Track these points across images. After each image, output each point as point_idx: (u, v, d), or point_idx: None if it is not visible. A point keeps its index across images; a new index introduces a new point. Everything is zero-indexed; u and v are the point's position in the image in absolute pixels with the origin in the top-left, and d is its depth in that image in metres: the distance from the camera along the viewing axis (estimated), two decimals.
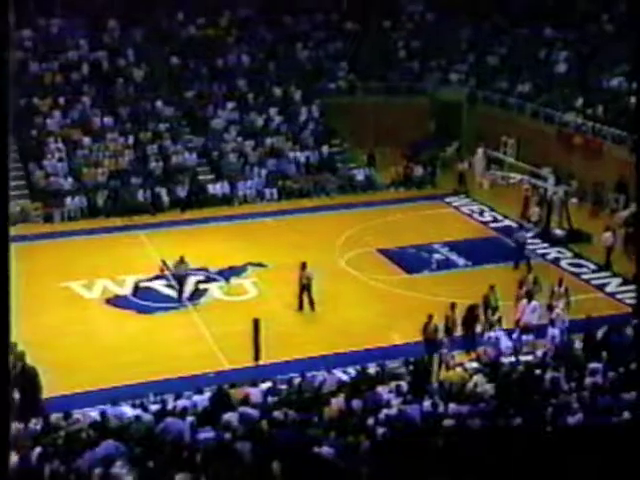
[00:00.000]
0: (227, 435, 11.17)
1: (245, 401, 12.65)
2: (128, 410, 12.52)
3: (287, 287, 18.41)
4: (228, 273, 20.26)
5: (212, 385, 13.79)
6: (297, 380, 13.79)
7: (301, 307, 18.15)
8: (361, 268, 20.55)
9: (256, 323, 15.29)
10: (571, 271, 20.61)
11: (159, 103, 28.38)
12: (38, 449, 10.81)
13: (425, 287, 19.32)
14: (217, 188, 26.23)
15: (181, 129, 28.13)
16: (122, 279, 19.77)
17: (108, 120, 27.48)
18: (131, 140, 27.04)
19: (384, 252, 21.58)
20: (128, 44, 30.17)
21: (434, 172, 27.97)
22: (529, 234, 22.10)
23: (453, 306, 16.26)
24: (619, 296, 19.06)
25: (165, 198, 25.46)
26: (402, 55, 32.16)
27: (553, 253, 21.80)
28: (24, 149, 26.24)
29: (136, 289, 19.33)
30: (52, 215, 24.43)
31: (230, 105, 28.87)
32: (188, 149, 27.34)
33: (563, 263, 21.17)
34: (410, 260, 21.07)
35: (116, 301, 18.86)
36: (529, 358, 14.55)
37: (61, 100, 27.60)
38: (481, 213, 25.06)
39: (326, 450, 10.60)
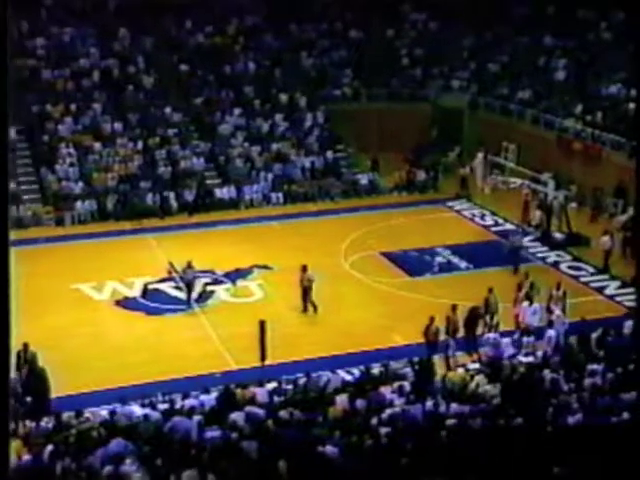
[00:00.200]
0: (234, 434, 11.18)
1: (251, 401, 12.65)
2: (137, 409, 12.54)
3: (292, 289, 18.40)
4: (234, 275, 20.27)
5: (219, 385, 13.82)
6: (302, 380, 13.80)
7: (305, 309, 18.14)
8: (365, 271, 20.54)
9: (262, 324, 15.28)
10: (570, 274, 20.57)
11: (168, 109, 28.45)
12: (50, 447, 10.83)
13: (427, 289, 19.30)
14: (224, 192, 26.25)
15: (189, 135, 28.18)
16: (131, 281, 19.80)
17: (118, 126, 27.55)
18: (140, 145, 27.09)
19: (387, 255, 21.56)
20: (138, 52, 30.25)
21: (436, 177, 27.95)
22: (525, 238, 22.10)
23: (454, 308, 16.23)
24: (618, 298, 19.00)
25: (173, 202, 25.50)
26: (405, 62, 32.17)
27: (553, 256, 21.75)
28: (36, 154, 26.33)
29: (145, 291, 19.35)
30: (63, 218, 24.48)
31: (237, 111, 28.91)
32: (196, 154, 27.38)
33: (563, 266, 21.13)
34: (413, 263, 21.05)
35: (125, 303, 18.89)
36: (530, 359, 14.52)
37: (72, 106, 27.68)
38: (482, 217, 25.03)
39: (330, 449, 10.59)
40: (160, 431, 11.56)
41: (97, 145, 26.74)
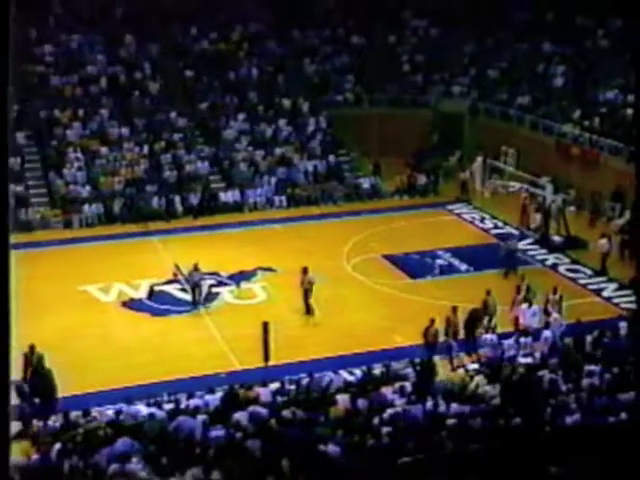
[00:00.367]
0: (238, 434, 11.18)
1: (255, 401, 12.66)
2: (143, 409, 12.55)
3: (295, 291, 18.39)
4: (238, 277, 20.28)
5: (223, 385, 13.82)
6: (305, 380, 13.80)
7: (308, 311, 18.13)
8: (367, 273, 20.54)
9: (265, 326, 15.30)
10: (569, 276, 20.55)
11: (173, 114, 28.50)
12: (58, 445, 10.85)
13: (428, 291, 19.29)
14: (228, 196, 26.28)
15: (194, 139, 28.22)
16: (137, 283, 19.81)
17: (125, 131, 27.61)
18: (146, 150, 27.14)
19: (389, 258, 21.56)
20: (144, 58, 30.31)
21: (437, 181, 27.95)
22: (524, 241, 22.09)
23: (455, 310, 16.24)
24: (615, 300, 18.99)
25: (178, 205, 25.53)
26: (406, 68, 32.19)
27: (551, 259, 21.74)
28: (45, 158, 26.40)
29: (151, 293, 19.36)
30: (71, 221, 24.52)
31: (241, 116, 28.95)
32: (201, 158, 27.42)
33: (561, 268, 21.11)
34: (414, 265, 21.04)
35: (131, 304, 18.90)
36: (528, 360, 14.51)
37: (80, 112, 27.73)
38: (482, 220, 25.02)
39: (332, 448, 10.60)
40: (165, 430, 11.58)
41: (104, 149, 26.79)
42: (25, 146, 26.58)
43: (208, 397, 13.03)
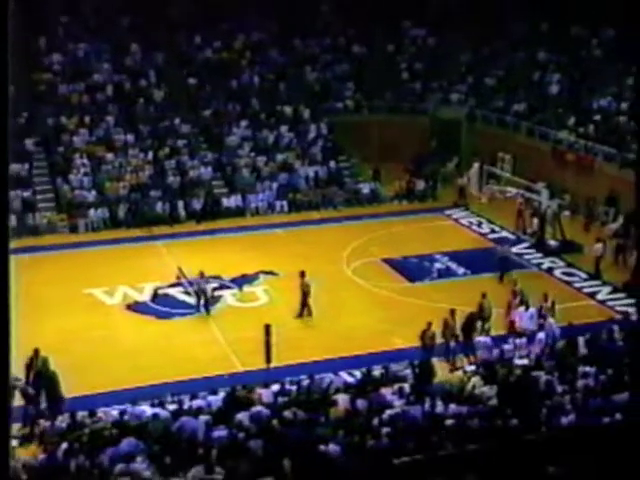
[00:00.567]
0: (240, 434, 11.18)
1: (257, 401, 12.66)
2: (147, 409, 12.55)
3: (297, 294, 18.39)
4: (241, 281, 20.29)
5: (226, 386, 13.82)
6: (306, 382, 13.80)
7: (310, 313, 18.12)
8: (366, 277, 20.54)
9: (267, 328, 15.31)
10: (564, 280, 20.56)
11: (177, 121, 28.55)
12: (64, 445, 10.85)
13: (426, 294, 19.30)
14: (231, 201, 26.31)
15: (198, 145, 28.26)
16: (141, 286, 19.82)
17: (130, 137, 27.65)
18: (151, 156, 27.18)
19: (388, 261, 21.57)
20: (149, 67, 30.38)
21: (435, 186, 27.98)
22: (520, 245, 22.11)
23: (453, 312, 16.25)
24: (609, 303, 18.99)
25: (182, 210, 25.55)
26: (405, 76, 32.24)
27: (547, 263, 21.75)
28: (52, 164, 26.45)
29: (155, 295, 19.38)
30: (77, 226, 24.55)
31: (244, 123, 29.00)
32: (204, 164, 27.46)
33: (557, 272, 21.12)
34: (412, 269, 21.06)
35: (136, 307, 18.91)
36: (524, 362, 14.50)
37: (87, 119, 27.79)
38: (479, 225, 25.03)
39: (333, 448, 10.60)
40: (169, 430, 11.58)
41: (110, 156, 26.84)
42: (33, 152, 26.63)
43: (211, 398, 13.03)
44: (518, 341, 15.59)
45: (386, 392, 12.85)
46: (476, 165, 27.44)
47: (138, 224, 24.72)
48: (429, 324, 15.61)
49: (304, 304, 18.03)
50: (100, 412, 12.54)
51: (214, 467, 10.06)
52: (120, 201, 25.39)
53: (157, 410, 12.36)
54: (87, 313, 18.43)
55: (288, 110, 29.80)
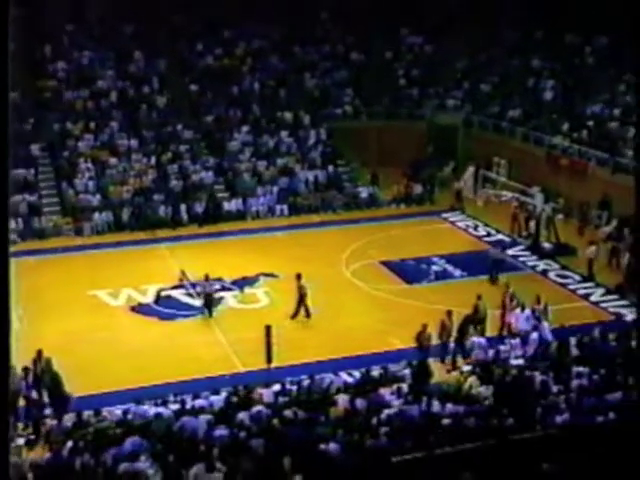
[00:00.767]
0: (242, 433, 11.18)
1: (258, 401, 12.66)
2: (151, 409, 12.55)
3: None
4: (242, 283, 20.29)
5: (228, 386, 13.82)
6: (306, 382, 13.80)
7: (308, 315, 18.11)
8: (365, 279, 20.55)
9: (268, 329, 15.32)
10: (558, 282, 20.57)
11: (180, 127, 28.58)
12: (69, 443, 10.85)
13: (424, 296, 19.30)
14: (232, 204, 26.32)
15: (199, 150, 28.28)
16: (145, 288, 19.82)
17: (133, 142, 27.67)
18: (154, 160, 27.20)
19: (386, 264, 21.58)
20: (152, 73, 30.41)
21: (432, 190, 27.99)
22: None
23: (449, 313, 16.26)
24: (603, 305, 19.00)
25: (184, 214, 25.55)
26: (403, 83, 32.28)
27: (542, 265, 21.76)
28: (57, 169, 26.46)
29: (158, 297, 19.37)
30: (82, 229, 24.55)
31: (245, 128, 29.02)
32: (206, 169, 27.47)
33: (551, 274, 21.13)
34: (410, 271, 21.06)
35: (140, 308, 18.90)
36: (519, 362, 14.51)
37: (91, 124, 27.81)
38: (475, 228, 25.04)
39: (332, 447, 10.60)
40: (171, 429, 11.58)
41: (114, 160, 26.85)
42: (39, 157, 26.66)
43: (213, 398, 13.03)
44: (513, 342, 15.59)
45: (385, 392, 12.85)
46: (470, 169, 27.49)
47: (141, 227, 24.73)
48: (424, 326, 15.63)
49: (300, 306, 18.03)
50: (105, 411, 12.54)
51: (215, 465, 10.06)
52: (124, 205, 25.39)
53: (160, 409, 12.36)
54: (92, 314, 18.42)
55: (288, 116, 29.83)
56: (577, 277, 20.72)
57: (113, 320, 18.33)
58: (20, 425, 12.69)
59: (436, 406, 12.02)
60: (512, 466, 10.06)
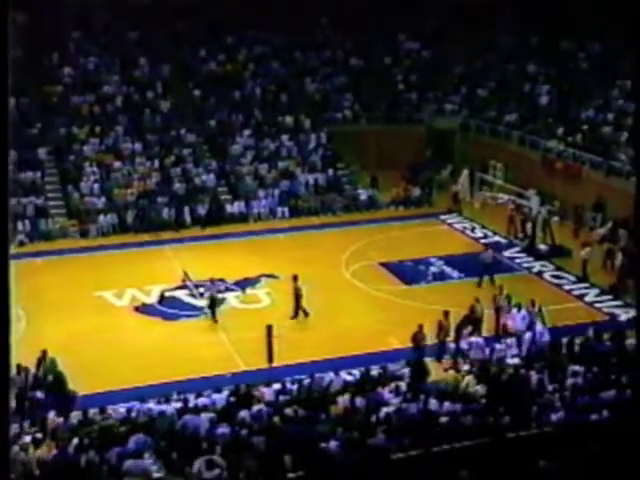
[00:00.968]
0: (243, 430, 11.19)
1: (259, 399, 12.67)
2: (154, 407, 12.56)
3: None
4: (244, 284, 20.30)
5: (230, 385, 13.83)
6: (306, 381, 13.80)
7: (305, 315, 18.11)
8: (364, 280, 20.56)
9: (269, 329, 15.34)
10: (554, 283, 20.57)
11: (183, 131, 28.60)
12: (75, 441, 10.86)
13: (422, 297, 19.31)
14: (234, 207, 26.33)
15: (202, 154, 28.30)
16: (149, 289, 19.83)
17: (137, 146, 27.70)
18: (157, 164, 27.23)
19: (385, 265, 21.58)
20: (156, 79, 30.45)
21: (430, 193, 28.01)
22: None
23: (446, 314, 16.26)
24: (597, 305, 19.01)
25: (188, 216, 25.57)
26: (401, 88, 32.30)
27: (537, 266, 21.76)
28: (63, 172, 26.50)
29: (162, 298, 19.39)
30: (87, 231, 24.58)
31: (246, 132, 29.05)
32: (208, 172, 27.50)
33: (546, 275, 21.13)
34: (409, 272, 21.06)
35: (144, 309, 18.92)
36: (515, 361, 14.51)
37: (97, 129, 27.85)
38: (473, 230, 25.05)
39: (332, 444, 10.60)
40: (174, 427, 11.59)
41: (118, 164, 26.89)
42: (45, 161, 26.69)
43: (215, 396, 13.04)
44: (509, 341, 15.60)
45: (383, 391, 12.85)
46: (465, 172, 27.53)
47: (146, 229, 24.76)
48: (420, 326, 15.63)
49: (298, 306, 18.03)
50: (110, 409, 12.55)
51: (215, 460, 10.06)
52: (128, 207, 25.42)
53: (163, 408, 12.37)
54: (97, 315, 18.44)
55: (289, 120, 29.86)
56: (572, 278, 20.72)
57: (118, 320, 18.34)
58: (26, 423, 12.69)
59: (434, 404, 12.03)
60: (508, 463, 10.07)
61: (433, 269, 21.31)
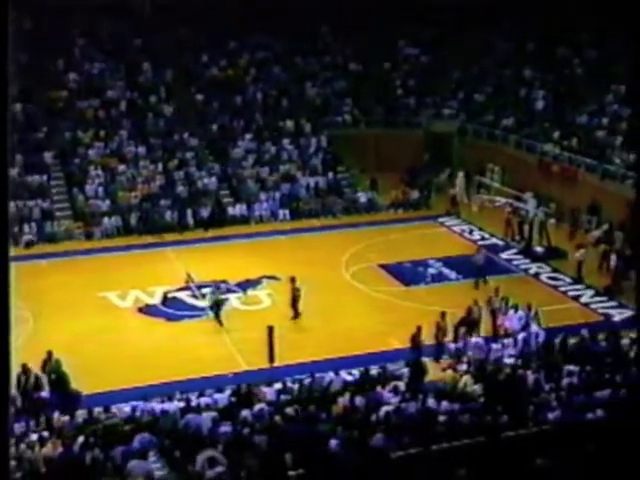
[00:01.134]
0: (245, 429, 11.20)
1: (261, 399, 12.68)
2: (157, 406, 12.57)
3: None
4: (245, 285, 20.31)
5: (231, 385, 13.83)
6: (307, 380, 13.81)
7: (296, 316, 18.04)
8: (364, 281, 20.57)
9: (270, 329, 15.35)
10: (550, 284, 20.58)
11: (186, 135, 28.63)
12: (81, 439, 10.87)
13: (421, 298, 19.31)
14: (236, 209, 26.35)
15: (205, 157, 28.33)
16: (152, 290, 19.84)
17: (141, 150, 27.73)
18: (161, 167, 27.26)
19: (384, 267, 21.59)
20: (159, 84, 30.49)
21: (429, 195, 28.03)
22: (503, 254, 22.10)
23: (444, 315, 16.27)
24: (592, 306, 19.02)
25: (190, 218, 25.59)
26: (400, 92, 32.34)
27: (534, 268, 21.78)
28: (69, 176, 26.53)
29: (165, 299, 19.40)
30: (92, 233, 24.61)
31: (248, 136, 29.07)
32: (211, 175, 27.52)
33: (543, 277, 21.14)
34: (407, 274, 21.07)
35: (147, 310, 18.93)
36: (511, 361, 14.53)
37: (101, 133, 27.88)
38: (470, 232, 25.06)
39: (333, 443, 10.61)
40: (177, 426, 11.60)
41: (122, 167, 26.92)
42: (51, 165, 26.73)
43: (217, 396, 13.05)
44: (506, 341, 15.61)
45: (383, 390, 12.86)
46: (461, 174, 27.56)
47: (149, 231, 24.77)
48: (419, 328, 15.63)
49: (296, 307, 18.04)
50: (114, 408, 12.56)
51: (216, 457, 10.07)
52: (132, 210, 25.44)
53: (167, 407, 12.38)
54: (101, 315, 18.45)
55: (290, 124, 29.89)
56: (567, 279, 20.73)
57: (121, 321, 18.35)
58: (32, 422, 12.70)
59: (432, 404, 12.04)
60: (506, 461, 10.08)
61: (431, 270, 21.32)
